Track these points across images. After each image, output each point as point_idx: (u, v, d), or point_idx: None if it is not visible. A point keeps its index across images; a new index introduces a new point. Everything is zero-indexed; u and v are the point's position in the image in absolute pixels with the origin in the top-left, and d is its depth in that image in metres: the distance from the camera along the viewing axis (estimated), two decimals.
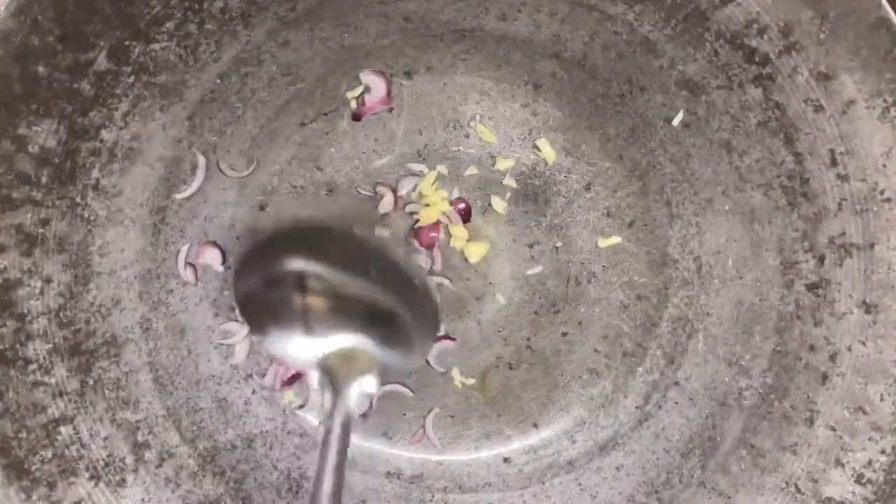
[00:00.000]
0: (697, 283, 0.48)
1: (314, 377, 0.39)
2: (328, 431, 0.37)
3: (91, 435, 0.41)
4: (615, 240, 0.49)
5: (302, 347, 0.40)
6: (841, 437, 0.41)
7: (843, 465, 0.41)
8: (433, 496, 0.49)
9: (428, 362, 0.50)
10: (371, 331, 0.40)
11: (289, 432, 0.49)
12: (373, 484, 0.49)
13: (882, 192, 0.39)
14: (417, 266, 0.44)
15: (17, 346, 0.39)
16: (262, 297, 0.40)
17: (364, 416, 0.50)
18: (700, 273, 0.48)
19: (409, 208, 0.49)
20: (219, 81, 0.44)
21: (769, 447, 0.44)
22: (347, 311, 0.39)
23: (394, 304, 0.40)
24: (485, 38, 0.47)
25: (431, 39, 0.47)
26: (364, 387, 0.39)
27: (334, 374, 0.39)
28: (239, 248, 0.46)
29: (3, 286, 0.39)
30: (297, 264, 0.40)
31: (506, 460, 0.50)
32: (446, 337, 0.50)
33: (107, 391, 0.43)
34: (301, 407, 0.50)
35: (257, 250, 0.41)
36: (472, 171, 0.49)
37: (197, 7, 0.40)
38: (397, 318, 0.40)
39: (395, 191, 0.49)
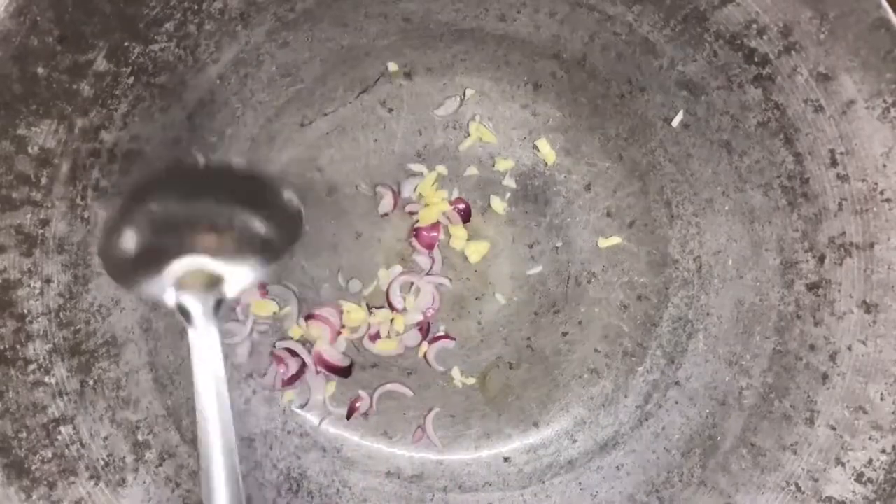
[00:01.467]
0: (697, 283, 0.48)
1: (173, 302, 0.39)
2: (198, 355, 0.38)
3: (91, 435, 0.42)
4: (615, 240, 0.49)
5: (156, 285, 0.40)
6: (841, 437, 0.41)
7: (843, 465, 0.41)
8: (433, 496, 0.49)
9: (427, 361, 0.50)
10: (218, 248, 0.41)
11: (289, 432, 0.49)
12: (373, 483, 0.49)
13: (882, 192, 0.39)
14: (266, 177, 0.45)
15: (17, 346, 0.39)
16: (123, 252, 0.40)
17: (365, 415, 0.50)
18: (700, 273, 0.48)
19: (408, 208, 0.49)
20: (218, 82, 0.44)
21: (769, 446, 0.44)
22: (188, 236, 0.41)
23: (242, 216, 0.42)
24: (485, 39, 0.47)
25: (431, 39, 0.47)
26: (219, 293, 0.40)
27: (187, 291, 0.39)
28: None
29: (3, 286, 0.39)
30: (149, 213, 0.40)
31: (506, 460, 0.50)
32: (446, 336, 0.50)
33: (107, 391, 0.43)
34: (302, 407, 0.50)
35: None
36: (472, 171, 0.49)
37: (196, 7, 0.40)
38: (246, 229, 0.42)
39: (395, 191, 0.49)
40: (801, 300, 0.43)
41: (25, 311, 0.39)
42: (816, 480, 0.42)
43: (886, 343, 0.40)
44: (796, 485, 0.42)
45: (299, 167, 0.48)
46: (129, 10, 0.37)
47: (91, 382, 0.42)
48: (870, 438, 0.41)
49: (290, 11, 0.43)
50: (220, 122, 0.45)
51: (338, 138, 0.48)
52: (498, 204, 0.49)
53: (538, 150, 0.49)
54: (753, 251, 0.45)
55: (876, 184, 0.39)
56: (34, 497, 0.39)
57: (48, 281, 0.40)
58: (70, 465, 0.41)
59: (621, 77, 0.46)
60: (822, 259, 0.42)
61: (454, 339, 0.50)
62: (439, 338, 0.50)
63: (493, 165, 0.49)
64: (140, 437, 0.44)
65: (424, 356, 0.50)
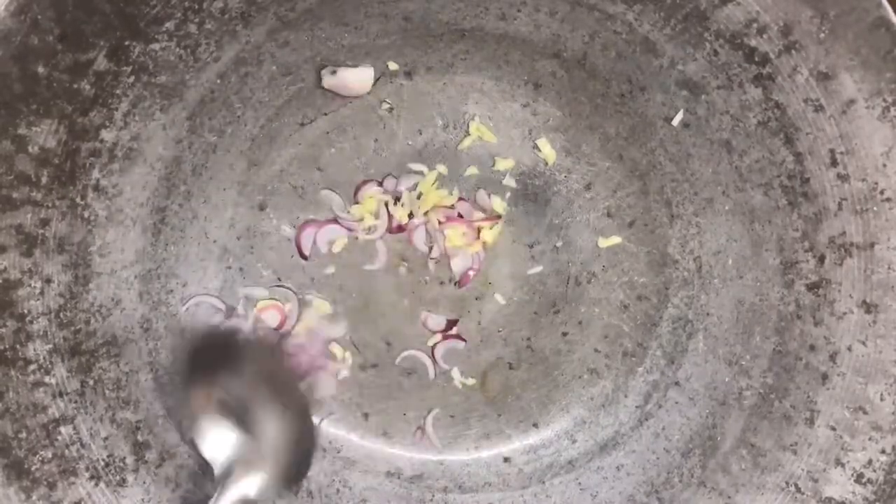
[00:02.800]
0: (697, 283, 0.48)
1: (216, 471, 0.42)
2: None
3: (91, 435, 0.41)
4: (615, 240, 0.49)
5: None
6: (841, 437, 0.41)
7: (843, 465, 0.41)
8: (433, 496, 0.49)
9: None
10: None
11: None
12: (373, 483, 0.49)
13: (882, 192, 0.39)
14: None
15: (18, 346, 0.39)
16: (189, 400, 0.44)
17: (365, 415, 0.50)
18: (700, 273, 0.48)
19: (409, 208, 0.49)
20: (219, 81, 0.44)
21: (769, 447, 0.44)
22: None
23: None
24: (485, 38, 0.47)
25: (431, 39, 0.47)
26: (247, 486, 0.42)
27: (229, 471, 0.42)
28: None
29: (3, 286, 0.39)
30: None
31: (506, 460, 0.50)
32: (457, 336, 0.50)
33: (107, 391, 0.43)
34: None
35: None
36: (472, 171, 0.49)
37: (197, 7, 0.40)
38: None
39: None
40: (801, 300, 0.43)
41: (25, 311, 0.39)
42: (816, 481, 0.42)
43: (886, 343, 0.40)
44: (796, 485, 0.42)
45: (299, 167, 0.48)
46: (129, 9, 0.38)
47: (91, 382, 0.42)
48: (870, 439, 0.41)
49: (290, 11, 0.43)
50: (220, 121, 0.46)
51: (338, 138, 0.49)
52: (498, 204, 0.49)
53: (538, 150, 0.49)
54: (753, 251, 0.45)
55: (876, 183, 0.39)
56: (34, 497, 0.39)
57: (48, 281, 0.40)
58: (70, 465, 0.41)
59: (621, 76, 0.46)
60: (822, 259, 0.42)
61: (465, 340, 0.50)
62: (450, 336, 0.50)
63: (493, 165, 0.49)
64: (140, 438, 0.43)
65: (432, 352, 0.50)
